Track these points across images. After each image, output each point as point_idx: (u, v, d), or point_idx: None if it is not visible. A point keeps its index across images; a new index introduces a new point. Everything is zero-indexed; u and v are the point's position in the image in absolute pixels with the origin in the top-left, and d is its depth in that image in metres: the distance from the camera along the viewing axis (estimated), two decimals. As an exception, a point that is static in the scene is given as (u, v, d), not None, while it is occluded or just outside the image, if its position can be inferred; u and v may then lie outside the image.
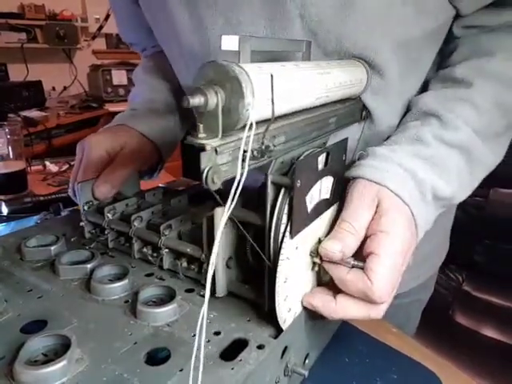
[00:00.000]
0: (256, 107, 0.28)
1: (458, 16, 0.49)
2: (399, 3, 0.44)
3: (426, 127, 0.45)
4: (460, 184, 0.44)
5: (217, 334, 0.34)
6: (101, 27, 2.58)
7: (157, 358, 0.32)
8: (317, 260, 0.37)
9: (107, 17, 2.50)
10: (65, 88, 2.62)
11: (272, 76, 0.29)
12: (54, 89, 2.56)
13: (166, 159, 0.66)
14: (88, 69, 2.56)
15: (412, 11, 0.45)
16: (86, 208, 0.50)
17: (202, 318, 0.26)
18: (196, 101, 0.26)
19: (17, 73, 2.26)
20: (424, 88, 0.52)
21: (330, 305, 0.36)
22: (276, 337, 0.34)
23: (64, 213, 0.73)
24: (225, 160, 0.28)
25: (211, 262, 0.26)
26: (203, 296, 0.40)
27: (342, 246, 0.35)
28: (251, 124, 0.27)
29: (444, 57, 0.53)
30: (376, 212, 0.38)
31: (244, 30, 0.47)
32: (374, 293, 0.34)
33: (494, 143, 0.47)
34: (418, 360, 0.45)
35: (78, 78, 2.62)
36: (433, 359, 0.46)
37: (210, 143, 0.26)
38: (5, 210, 0.81)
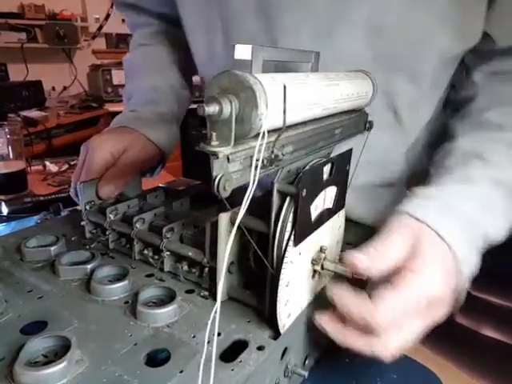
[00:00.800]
0: (268, 117, 0.28)
1: (479, 61, 0.52)
2: (450, 20, 0.47)
3: (470, 167, 0.44)
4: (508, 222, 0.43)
5: (217, 334, 0.34)
6: (101, 27, 2.57)
7: (157, 359, 0.32)
8: (318, 268, 0.38)
9: (107, 17, 2.50)
10: (65, 88, 2.61)
11: (285, 87, 0.30)
12: (53, 89, 2.55)
13: (167, 158, 0.66)
14: (88, 69, 2.56)
15: (457, 30, 0.48)
16: (87, 208, 0.50)
17: (214, 318, 0.26)
18: (211, 109, 0.27)
19: (17, 73, 2.26)
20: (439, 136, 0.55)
21: (339, 332, 0.34)
22: (276, 338, 0.34)
23: (64, 213, 0.73)
24: (236, 168, 0.28)
25: (223, 265, 0.27)
26: (203, 297, 0.40)
27: (369, 260, 0.33)
28: (263, 133, 0.28)
29: (455, 101, 0.56)
30: (412, 251, 0.35)
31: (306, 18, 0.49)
32: (373, 317, 0.31)
33: None
34: (418, 360, 0.45)
35: (78, 78, 2.61)
36: (433, 359, 0.46)
37: (223, 151, 0.27)
38: (5, 210, 0.81)
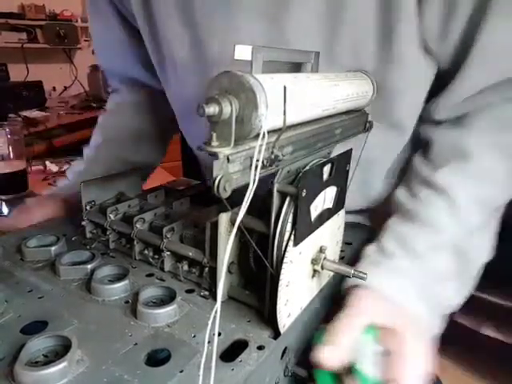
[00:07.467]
0: (268, 117, 0.28)
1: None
2: None
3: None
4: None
5: (217, 334, 0.34)
6: (101, 27, 2.57)
7: (157, 358, 0.32)
8: (318, 268, 0.38)
9: (107, 17, 2.50)
10: (65, 88, 2.61)
11: (285, 88, 0.30)
12: (54, 89, 2.56)
13: None
14: (88, 69, 2.56)
15: None
16: (88, 208, 0.50)
17: (214, 318, 0.26)
18: (211, 110, 0.27)
19: (17, 73, 2.26)
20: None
21: None
22: (276, 338, 0.34)
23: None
24: (236, 168, 0.28)
25: (223, 265, 0.27)
26: (204, 297, 0.40)
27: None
28: (263, 134, 0.28)
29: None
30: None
31: None
32: None
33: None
34: (418, 360, 0.45)
35: (79, 78, 2.61)
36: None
37: (223, 151, 0.27)
38: (5, 210, 0.81)
